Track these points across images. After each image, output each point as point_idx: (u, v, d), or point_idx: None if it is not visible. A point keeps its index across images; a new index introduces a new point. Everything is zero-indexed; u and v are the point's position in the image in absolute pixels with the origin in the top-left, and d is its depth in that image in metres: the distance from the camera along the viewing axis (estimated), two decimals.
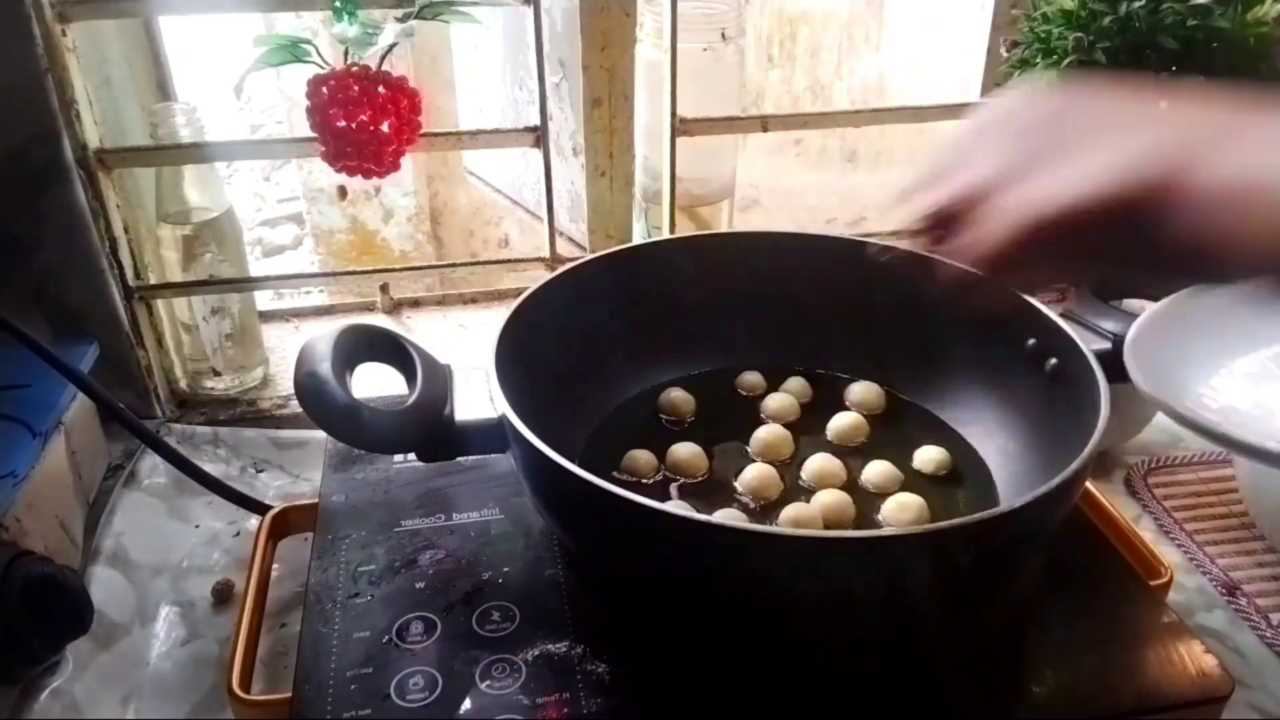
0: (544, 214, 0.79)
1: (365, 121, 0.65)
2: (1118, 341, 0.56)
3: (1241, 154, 0.28)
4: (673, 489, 0.58)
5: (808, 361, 0.67)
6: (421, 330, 0.90)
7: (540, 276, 0.62)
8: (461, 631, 0.49)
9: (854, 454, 0.61)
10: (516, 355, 0.54)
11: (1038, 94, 0.37)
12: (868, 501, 0.56)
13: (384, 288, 0.91)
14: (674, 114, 0.76)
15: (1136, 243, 0.31)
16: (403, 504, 0.58)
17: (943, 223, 0.36)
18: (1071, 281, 0.37)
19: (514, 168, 1.24)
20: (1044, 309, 0.57)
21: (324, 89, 0.64)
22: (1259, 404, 0.49)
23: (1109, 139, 0.32)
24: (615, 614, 0.50)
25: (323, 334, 0.51)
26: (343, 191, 1.13)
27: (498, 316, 0.56)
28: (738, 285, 0.66)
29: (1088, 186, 0.31)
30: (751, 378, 0.66)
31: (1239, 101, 0.30)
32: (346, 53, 0.65)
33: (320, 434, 0.52)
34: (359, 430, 0.49)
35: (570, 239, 1.00)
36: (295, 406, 0.59)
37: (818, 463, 0.58)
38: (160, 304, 0.75)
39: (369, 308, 0.92)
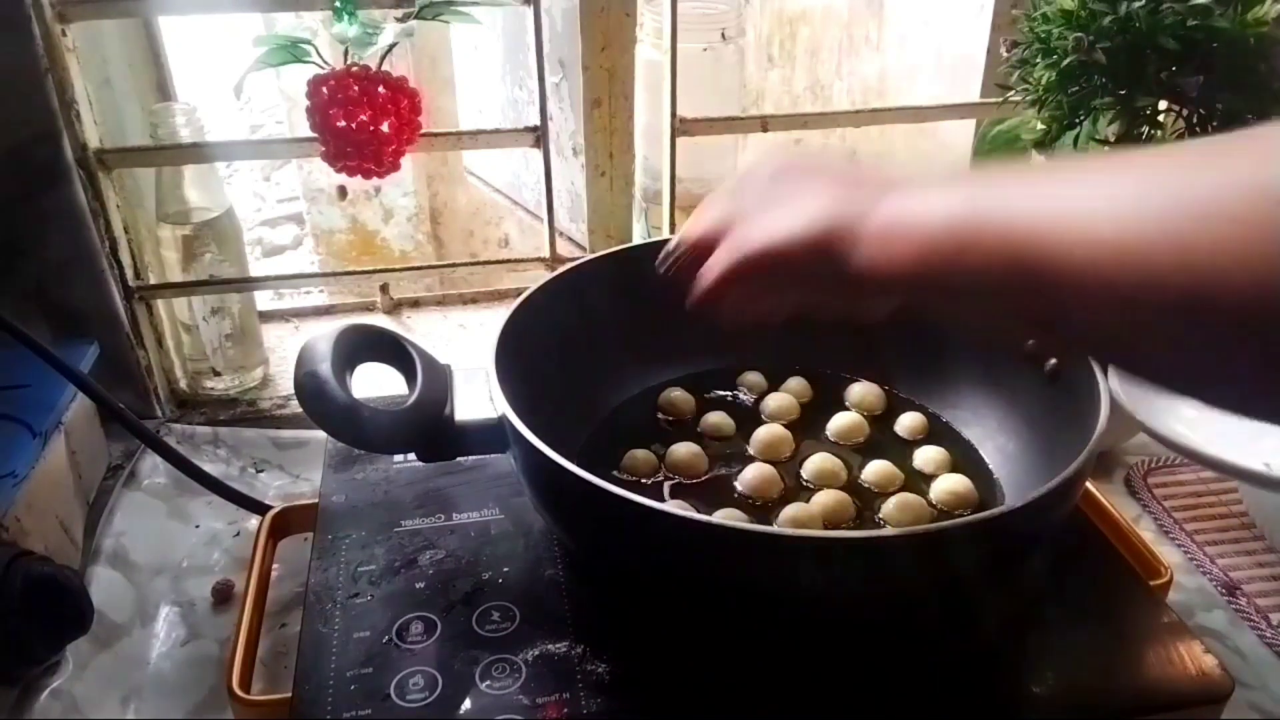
0: (544, 214, 0.79)
1: (365, 121, 0.65)
2: None
3: (889, 205, 0.39)
4: (670, 488, 0.58)
5: (808, 361, 0.67)
6: (421, 330, 0.90)
7: (540, 276, 0.62)
8: (461, 631, 0.49)
9: (854, 453, 0.61)
10: (516, 355, 0.54)
11: (770, 160, 0.47)
12: (868, 501, 0.56)
13: (384, 288, 0.91)
14: (674, 114, 0.76)
15: (826, 275, 0.41)
16: (403, 504, 0.58)
17: (697, 253, 0.47)
18: (777, 310, 0.47)
19: (514, 168, 1.24)
20: None
21: (324, 89, 0.64)
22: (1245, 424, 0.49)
23: (810, 197, 0.42)
24: (615, 614, 0.50)
25: (323, 334, 0.51)
26: (343, 191, 1.13)
27: (498, 316, 0.56)
28: None
29: (788, 230, 0.42)
30: (753, 377, 0.66)
31: (894, 178, 0.40)
32: (346, 53, 0.65)
33: (320, 434, 0.52)
34: (359, 430, 0.49)
35: (570, 239, 1.00)
36: (295, 406, 0.59)
37: (818, 462, 0.58)
38: (160, 304, 0.75)
39: (369, 308, 0.92)
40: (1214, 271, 0.28)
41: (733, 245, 0.44)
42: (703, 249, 0.46)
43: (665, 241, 0.50)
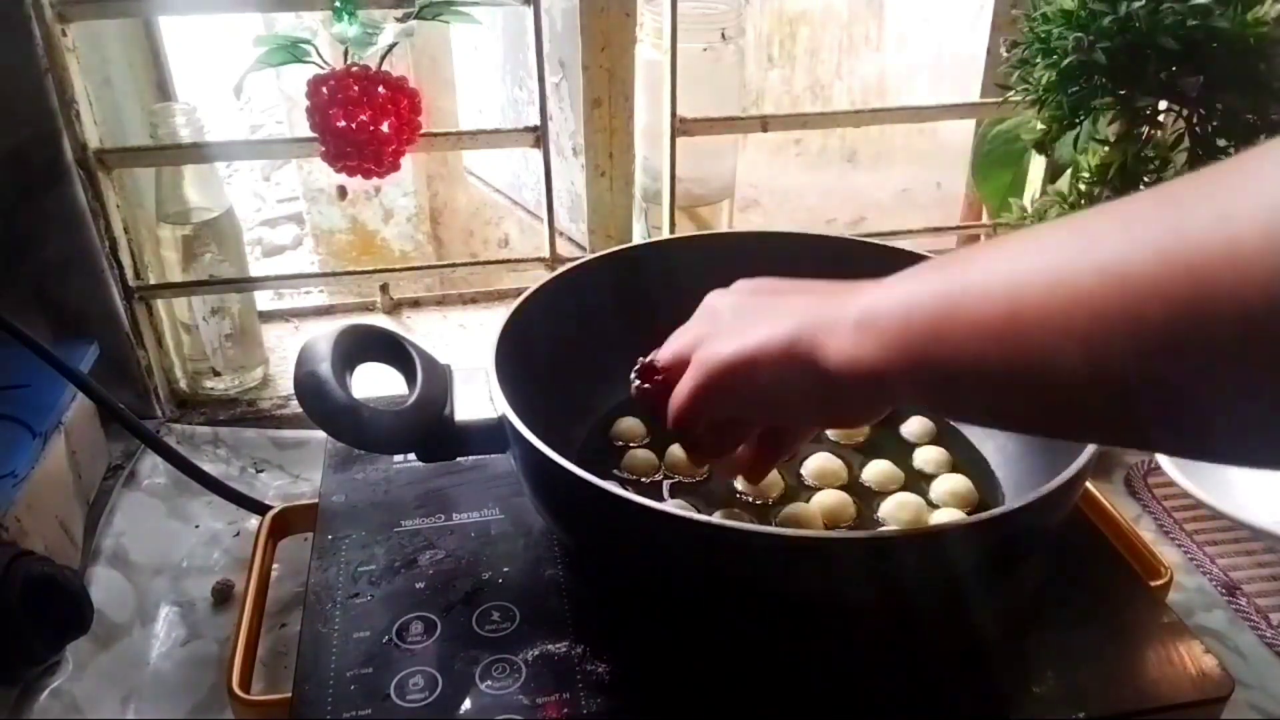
0: (544, 214, 0.79)
1: (365, 121, 0.65)
2: None
3: (863, 299, 0.38)
4: (669, 488, 0.58)
5: None
6: (421, 330, 0.90)
7: (540, 276, 0.62)
8: (461, 631, 0.49)
9: (854, 453, 0.61)
10: (516, 355, 0.54)
11: (738, 283, 0.47)
12: (868, 501, 0.56)
13: (384, 288, 0.91)
14: (674, 114, 0.76)
15: (801, 383, 0.39)
16: (403, 504, 0.58)
17: (665, 381, 0.46)
18: (753, 431, 0.49)
19: (514, 168, 1.24)
20: None
21: (324, 89, 0.64)
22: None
23: (780, 311, 0.41)
24: (615, 614, 0.50)
25: (323, 334, 0.51)
26: (343, 191, 1.13)
27: (498, 316, 0.56)
28: None
29: (757, 341, 0.41)
30: None
31: (865, 284, 0.38)
32: (346, 53, 0.65)
33: (320, 434, 0.52)
34: (359, 430, 0.49)
35: (570, 239, 1.00)
36: (295, 406, 0.59)
37: (818, 462, 0.58)
38: (160, 304, 0.75)
39: (369, 308, 0.92)
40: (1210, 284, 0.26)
41: (701, 362, 0.43)
42: (674, 372, 0.45)
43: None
